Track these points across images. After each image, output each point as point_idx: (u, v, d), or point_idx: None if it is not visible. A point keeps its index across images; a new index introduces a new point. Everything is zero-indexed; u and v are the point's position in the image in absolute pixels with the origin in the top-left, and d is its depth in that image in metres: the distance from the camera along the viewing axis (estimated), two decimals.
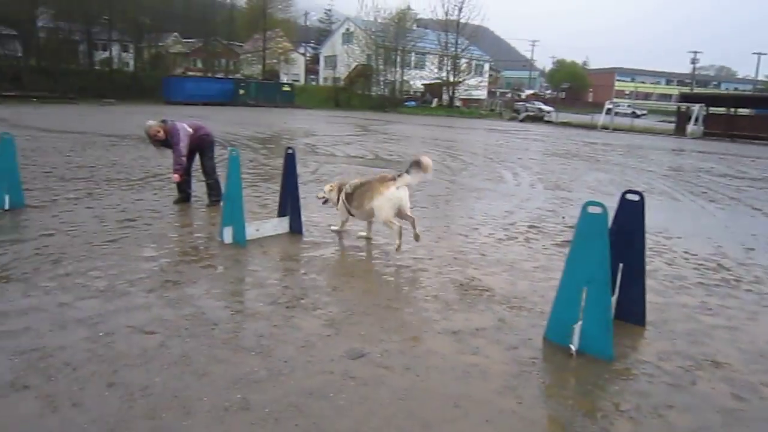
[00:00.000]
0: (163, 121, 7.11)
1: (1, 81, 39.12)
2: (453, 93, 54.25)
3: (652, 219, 3.92)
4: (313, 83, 71.82)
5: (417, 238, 5.58)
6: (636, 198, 3.79)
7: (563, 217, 7.75)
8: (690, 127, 34.03)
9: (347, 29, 66.16)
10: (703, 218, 8.33)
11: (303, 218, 6.21)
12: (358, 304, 4.16)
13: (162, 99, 43.03)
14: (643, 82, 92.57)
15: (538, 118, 44.70)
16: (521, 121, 43.92)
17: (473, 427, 2.69)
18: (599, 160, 16.37)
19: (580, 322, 3.45)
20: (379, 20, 54.83)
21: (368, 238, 6.06)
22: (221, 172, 7.67)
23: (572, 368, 3.34)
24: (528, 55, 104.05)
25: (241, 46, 68.81)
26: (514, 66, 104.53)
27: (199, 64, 65.80)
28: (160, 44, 58.56)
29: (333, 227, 6.35)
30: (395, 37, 53.42)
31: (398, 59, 54.03)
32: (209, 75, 58.63)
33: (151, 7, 53.74)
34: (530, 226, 7.10)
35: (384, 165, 12.72)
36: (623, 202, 3.83)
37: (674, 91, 79.93)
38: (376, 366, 3.22)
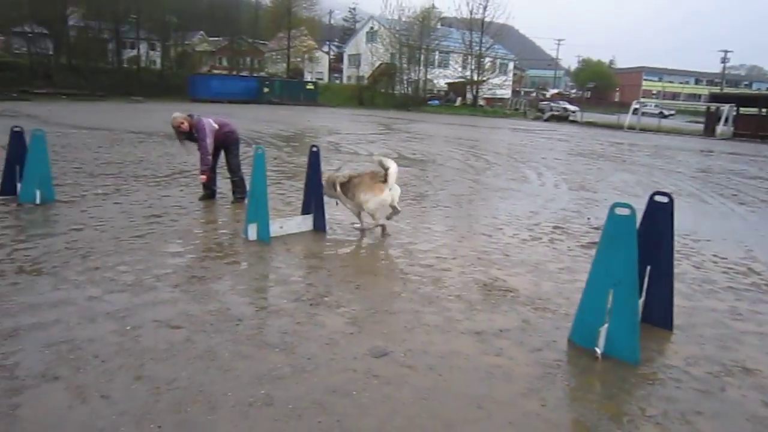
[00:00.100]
0: (190, 116, 7.20)
1: (32, 79, 40.08)
2: (477, 92, 53.90)
3: (680, 221, 3.85)
4: (337, 82, 72.07)
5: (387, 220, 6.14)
6: (665, 200, 3.72)
7: (588, 218, 7.66)
8: (719, 128, 33.31)
9: (371, 28, 66.22)
10: (733, 221, 8.15)
11: (327, 216, 6.24)
12: (382, 303, 4.16)
13: (188, 97, 43.59)
14: (671, 82, 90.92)
15: (563, 118, 44.15)
16: (546, 120, 43.46)
17: (496, 428, 2.68)
18: (625, 161, 16.13)
19: (606, 325, 3.41)
20: (404, 19, 54.69)
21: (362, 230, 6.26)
22: (246, 170, 7.74)
23: (597, 371, 3.29)
24: (553, 53, 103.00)
25: (266, 44, 69.36)
26: (538, 65, 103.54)
27: (225, 63, 66.58)
28: (187, 43, 59.34)
29: (356, 225, 6.37)
30: (419, 36, 53.25)
31: (422, 58, 53.82)
32: (234, 73, 59.25)
33: (178, 7, 54.46)
34: (555, 227, 7.03)
35: (408, 164, 12.70)
36: (651, 203, 3.77)
37: (703, 90, 78.45)
38: (399, 365, 3.21)
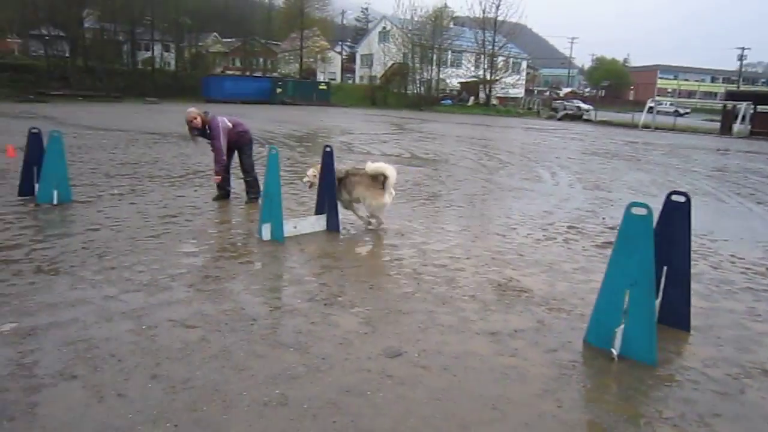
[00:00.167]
0: (205, 113, 7.25)
1: (49, 81, 40.58)
2: (490, 91, 53.67)
3: (696, 221, 3.80)
4: (350, 82, 72.15)
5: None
6: (682, 199, 3.68)
7: (603, 218, 7.60)
8: (736, 126, 32.85)
9: (384, 28, 66.18)
10: (751, 221, 8.04)
11: (340, 216, 6.24)
12: (395, 303, 4.16)
13: (202, 98, 43.86)
14: (686, 80, 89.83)
15: (576, 117, 43.81)
16: (559, 119, 43.17)
17: (512, 429, 2.66)
18: (640, 160, 15.97)
19: (622, 326, 3.38)
20: (416, 18, 54.59)
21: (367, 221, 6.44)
22: (259, 170, 7.78)
23: (613, 373, 3.27)
24: (567, 52, 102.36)
25: (279, 45, 69.59)
26: (552, 64, 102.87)
27: (238, 63, 66.86)
28: (200, 44, 59.72)
29: (370, 226, 6.38)
30: (432, 36, 53.14)
31: (434, 57, 53.71)
32: (247, 74, 59.52)
33: (192, 8, 54.81)
34: (569, 227, 6.98)
35: (421, 164, 12.69)
36: (668, 203, 3.73)
37: (719, 88, 77.57)
38: (413, 365, 3.21)
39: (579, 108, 46.67)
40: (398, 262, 5.19)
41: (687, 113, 57.23)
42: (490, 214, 7.71)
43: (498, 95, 55.39)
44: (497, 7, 53.53)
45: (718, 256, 5.95)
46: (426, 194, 8.86)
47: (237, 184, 7.97)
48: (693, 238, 4.65)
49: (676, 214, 3.71)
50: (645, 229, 3.27)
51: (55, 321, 3.58)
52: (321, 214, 6.25)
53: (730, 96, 40.24)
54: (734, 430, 2.75)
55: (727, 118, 34.73)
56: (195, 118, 7.14)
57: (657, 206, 3.67)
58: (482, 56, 54.78)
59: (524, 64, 70.15)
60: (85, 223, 6.16)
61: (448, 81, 57.24)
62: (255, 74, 59.50)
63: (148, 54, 53.19)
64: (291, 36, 65.74)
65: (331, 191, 6.14)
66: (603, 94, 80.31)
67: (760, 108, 34.40)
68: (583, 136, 26.47)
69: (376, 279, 4.71)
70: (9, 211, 6.47)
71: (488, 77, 53.73)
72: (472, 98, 53.87)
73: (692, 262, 4.17)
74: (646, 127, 35.53)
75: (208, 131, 7.16)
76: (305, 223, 6.14)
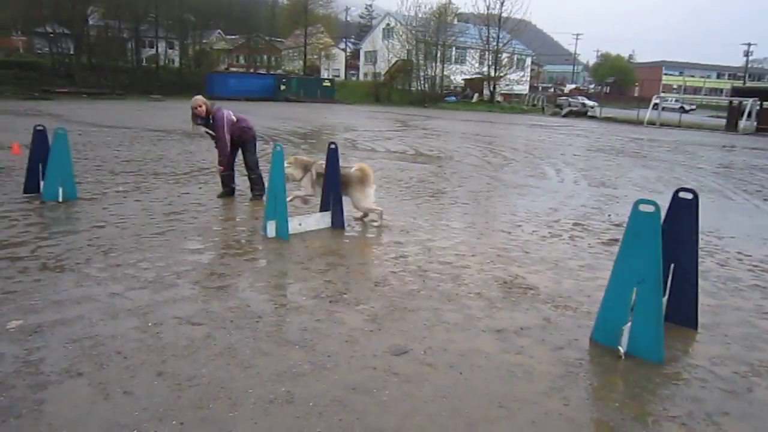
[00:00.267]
0: (212, 104, 7.31)
1: (54, 78, 40.72)
2: (494, 88, 53.52)
3: (703, 218, 3.78)
4: (354, 78, 72.05)
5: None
6: (689, 196, 3.65)
7: (609, 215, 7.56)
8: (742, 123, 32.66)
9: (388, 24, 66.02)
10: (758, 218, 7.99)
11: (345, 213, 6.23)
12: (401, 300, 4.15)
13: (206, 95, 43.63)
14: (692, 76, 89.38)
15: (581, 114, 43.65)
16: (564, 116, 43.03)
17: (518, 428, 2.65)
18: (645, 157, 15.90)
19: (629, 324, 3.36)
20: (420, 15, 54.43)
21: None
22: (264, 167, 7.77)
23: (620, 371, 3.25)
24: (571, 48, 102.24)
25: (283, 42, 69.61)
26: (556, 60, 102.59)
27: (242, 60, 66.91)
28: (204, 41, 59.70)
29: (374, 223, 6.39)
30: (436, 32, 52.97)
31: (438, 54, 53.56)
32: (251, 71, 59.55)
33: (196, 5, 54.81)
34: (575, 224, 6.95)
35: (425, 161, 12.67)
36: (675, 200, 3.70)
37: (725, 85, 77.11)
38: (419, 363, 3.20)
39: (584, 105, 46.52)
40: (403, 259, 5.17)
41: (692, 110, 56.98)
42: (495, 211, 7.69)
43: (502, 92, 55.21)
44: (501, 4, 53.28)
45: (725, 253, 5.92)
46: (431, 191, 8.84)
47: (242, 182, 7.97)
48: (699, 235, 4.62)
49: (684, 212, 3.69)
50: (653, 227, 3.24)
51: (61, 318, 3.58)
52: (326, 211, 6.24)
53: (736, 92, 39.96)
54: (742, 429, 2.73)
55: (733, 114, 34.55)
56: (200, 106, 7.16)
57: (663, 203, 3.65)
58: (486, 53, 54.59)
59: (528, 61, 69.92)
60: (90, 220, 6.17)
61: (452, 77, 57.11)
62: (259, 71, 59.58)
63: (153, 51, 53.20)
64: (295, 33, 65.72)
65: (336, 188, 6.13)
66: (608, 91, 79.95)
67: (767, 104, 34.21)
68: (588, 132, 26.38)
69: (381, 276, 4.69)
70: (14, 209, 6.49)
71: (492, 74, 53.54)
72: (476, 95, 53.72)
73: (699, 260, 4.15)
74: (651, 123, 35.38)
75: (212, 122, 7.17)
76: (310, 220, 6.13)
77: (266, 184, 6.50)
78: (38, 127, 7.26)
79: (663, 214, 3.49)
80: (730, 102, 37.05)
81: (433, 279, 4.67)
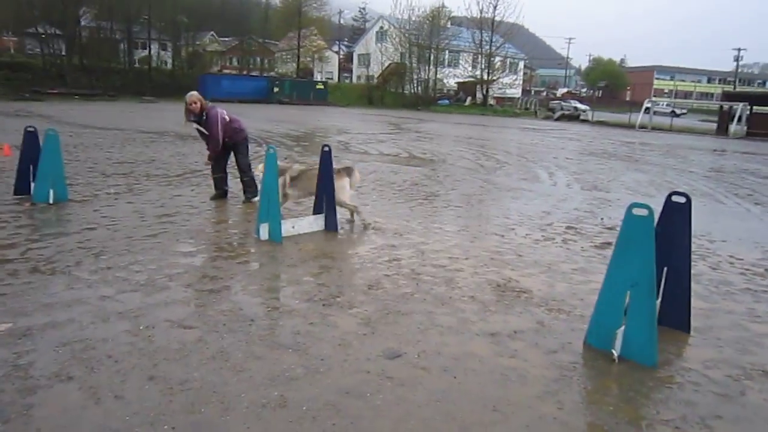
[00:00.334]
0: (208, 102, 7.33)
1: (45, 79, 40.46)
2: (487, 91, 53.69)
3: (694, 221, 3.79)
4: (347, 81, 72.09)
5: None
6: (682, 200, 3.66)
7: (601, 219, 7.59)
8: (733, 127, 32.92)
9: (381, 27, 66.16)
10: (749, 221, 8.04)
11: (338, 216, 6.22)
12: (394, 304, 4.13)
13: None
14: (683, 81, 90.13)
15: (573, 117, 43.88)
16: (556, 119, 43.23)
17: (513, 431, 2.64)
18: (637, 160, 15.99)
19: (623, 327, 3.36)
20: (414, 18, 54.57)
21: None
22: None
23: (614, 374, 3.25)
24: (564, 52, 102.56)
25: (276, 44, 69.53)
26: (549, 64, 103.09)
27: (235, 62, 66.78)
28: (197, 43, 59.58)
29: (350, 220, 6.65)
30: (429, 35, 53.12)
31: (432, 57, 53.71)
32: (244, 73, 59.43)
33: (189, 7, 54.70)
34: (568, 227, 6.96)
35: (418, 164, 12.67)
36: (669, 203, 3.71)
37: (716, 89, 77.76)
38: (412, 367, 3.19)
39: (576, 108, 46.78)
40: (397, 263, 5.16)
41: (684, 114, 57.37)
42: (489, 215, 7.70)
43: (495, 95, 55.43)
44: (495, 7, 53.59)
45: (716, 256, 5.95)
46: (424, 194, 8.84)
47: (234, 184, 7.93)
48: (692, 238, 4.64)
49: (677, 215, 3.69)
50: (646, 231, 3.25)
51: (51, 321, 3.54)
52: (319, 213, 6.23)
53: (727, 97, 40.32)
54: None
55: (724, 118, 34.84)
56: (195, 103, 7.17)
57: (655, 207, 3.66)
58: (479, 56, 54.79)
59: (521, 64, 70.21)
60: (81, 222, 6.12)
61: (445, 81, 57.24)
62: (252, 73, 59.44)
63: (145, 53, 53.03)
64: (288, 35, 65.72)
65: (329, 190, 6.11)
66: (600, 95, 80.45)
67: (757, 109, 34.54)
68: (581, 136, 26.51)
69: (374, 279, 4.68)
70: (5, 210, 6.43)
71: (485, 77, 53.73)
72: (469, 98, 53.89)
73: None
74: (642, 127, 35.58)
75: (205, 119, 7.15)
76: (303, 222, 6.11)
77: (259, 187, 6.47)
78: (29, 129, 7.20)
79: (656, 217, 3.50)
80: (721, 106, 37.35)
81: (426, 282, 4.66)
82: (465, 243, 6.00)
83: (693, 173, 13.56)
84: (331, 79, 69.38)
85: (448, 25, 57.95)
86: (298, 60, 63.44)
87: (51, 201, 6.81)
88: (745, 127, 33.19)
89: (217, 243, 5.61)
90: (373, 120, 30.79)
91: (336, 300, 4.15)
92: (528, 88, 78.37)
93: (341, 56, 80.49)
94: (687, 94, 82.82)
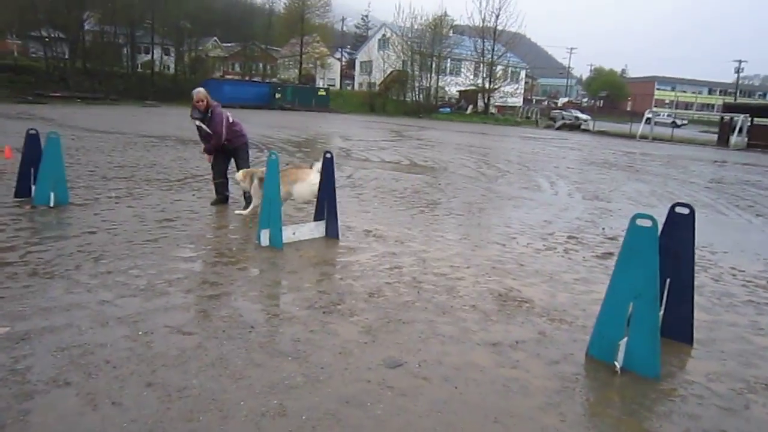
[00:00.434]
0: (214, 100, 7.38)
1: (48, 82, 40.57)
2: (488, 100, 53.80)
3: (696, 232, 3.76)
4: (349, 88, 72.25)
5: None
6: (686, 211, 3.65)
7: (603, 229, 7.57)
8: (733, 138, 32.99)
9: (384, 35, 66.33)
10: (751, 233, 8.02)
11: (339, 223, 6.20)
12: (395, 312, 4.11)
13: None
14: (684, 92, 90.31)
15: (574, 127, 43.98)
16: (557, 129, 43.31)
17: None
18: (638, 171, 15.98)
19: (625, 339, 3.33)
20: (416, 26, 54.77)
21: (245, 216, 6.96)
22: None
23: (617, 386, 3.22)
24: (565, 62, 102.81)
25: (278, 50, 69.73)
26: (550, 73, 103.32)
27: (237, 68, 66.93)
28: (200, 48, 59.79)
29: (237, 211, 6.92)
30: (431, 44, 53.27)
31: (434, 65, 53.85)
32: (247, 79, 59.55)
33: (192, 12, 54.88)
34: (569, 237, 6.94)
35: (419, 171, 12.67)
36: (672, 215, 3.69)
37: (717, 100, 77.83)
38: (413, 376, 3.16)
39: (577, 118, 46.89)
40: (398, 270, 5.14)
41: (684, 124, 57.54)
42: (490, 223, 7.67)
43: (496, 104, 55.55)
44: (497, 17, 53.75)
45: (718, 268, 5.92)
46: (425, 202, 8.82)
47: (235, 189, 7.92)
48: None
49: (680, 227, 3.68)
50: (650, 241, 3.23)
51: (49, 326, 3.51)
52: (320, 220, 6.20)
53: (728, 108, 40.41)
54: None
55: (725, 130, 34.95)
56: (201, 101, 7.22)
57: (657, 217, 3.64)
58: (481, 65, 54.94)
59: (523, 74, 70.38)
60: (81, 226, 6.10)
61: (446, 89, 57.39)
62: (254, 79, 59.58)
63: (148, 57, 53.22)
64: (291, 41, 65.92)
65: (330, 197, 6.09)
66: (601, 105, 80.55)
67: (757, 120, 34.62)
68: (581, 145, 26.52)
69: (375, 287, 4.65)
70: (5, 213, 6.41)
71: (487, 86, 53.86)
72: (470, 106, 53.99)
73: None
74: (643, 137, 35.65)
75: (209, 116, 7.18)
76: (304, 229, 6.09)
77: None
78: (31, 131, 7.19)
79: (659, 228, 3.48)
80: (722, 118, 37.47)
81: (427, 291, 4.64)
82: (466, 251, 5.97)
83: (694, 184, 13.54)
84: (333, 85, 69.51)
85: (451, 34, 58.10)
86: (301, 66, 63.63)
87: (52, 204, 6.79)
88: (746, 139, 33.25)
89: (218, 248, 5.58)
90: (375, 127, 30.82)
91: (337, 307, 4.13)
92: (529, 97, 78.50)
93: (343, 63, 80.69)
94: (688, 105, 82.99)
